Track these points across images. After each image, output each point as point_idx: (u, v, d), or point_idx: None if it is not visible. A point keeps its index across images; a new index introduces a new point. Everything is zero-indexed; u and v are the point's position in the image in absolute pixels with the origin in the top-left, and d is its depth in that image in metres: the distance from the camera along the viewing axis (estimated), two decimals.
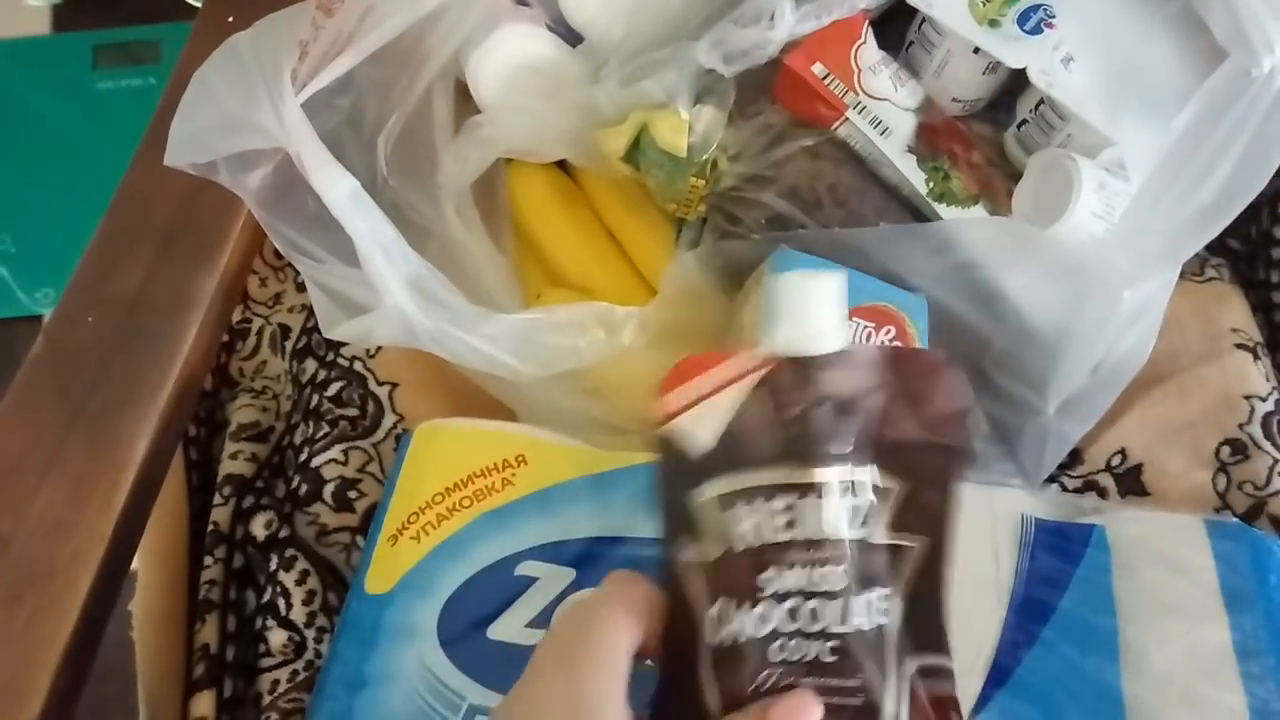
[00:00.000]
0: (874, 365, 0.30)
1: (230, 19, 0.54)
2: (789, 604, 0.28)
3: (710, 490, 0.29)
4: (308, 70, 0.43)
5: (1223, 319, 0.59)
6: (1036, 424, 0.49)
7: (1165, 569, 0.44)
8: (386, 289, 0.41)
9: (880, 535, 0.29)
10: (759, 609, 0.28)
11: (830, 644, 0.28)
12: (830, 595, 0.28)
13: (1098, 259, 0.41)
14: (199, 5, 1.24)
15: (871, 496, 0.29)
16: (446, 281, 0.43)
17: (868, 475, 0.29)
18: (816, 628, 0.28)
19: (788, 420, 0.29)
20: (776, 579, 0.29)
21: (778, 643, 0.28)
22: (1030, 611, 0.42)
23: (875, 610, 0.29)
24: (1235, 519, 0.50)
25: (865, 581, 0.29)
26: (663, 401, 0.30)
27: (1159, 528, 0.45)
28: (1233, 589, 0.43)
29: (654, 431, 0.30)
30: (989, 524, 0.45)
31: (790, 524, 0.29)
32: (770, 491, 0.29)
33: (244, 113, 0.42)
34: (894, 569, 0.29)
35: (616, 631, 0.28)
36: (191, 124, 0.43)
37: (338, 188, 0.41)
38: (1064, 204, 0.47)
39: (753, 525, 0.29)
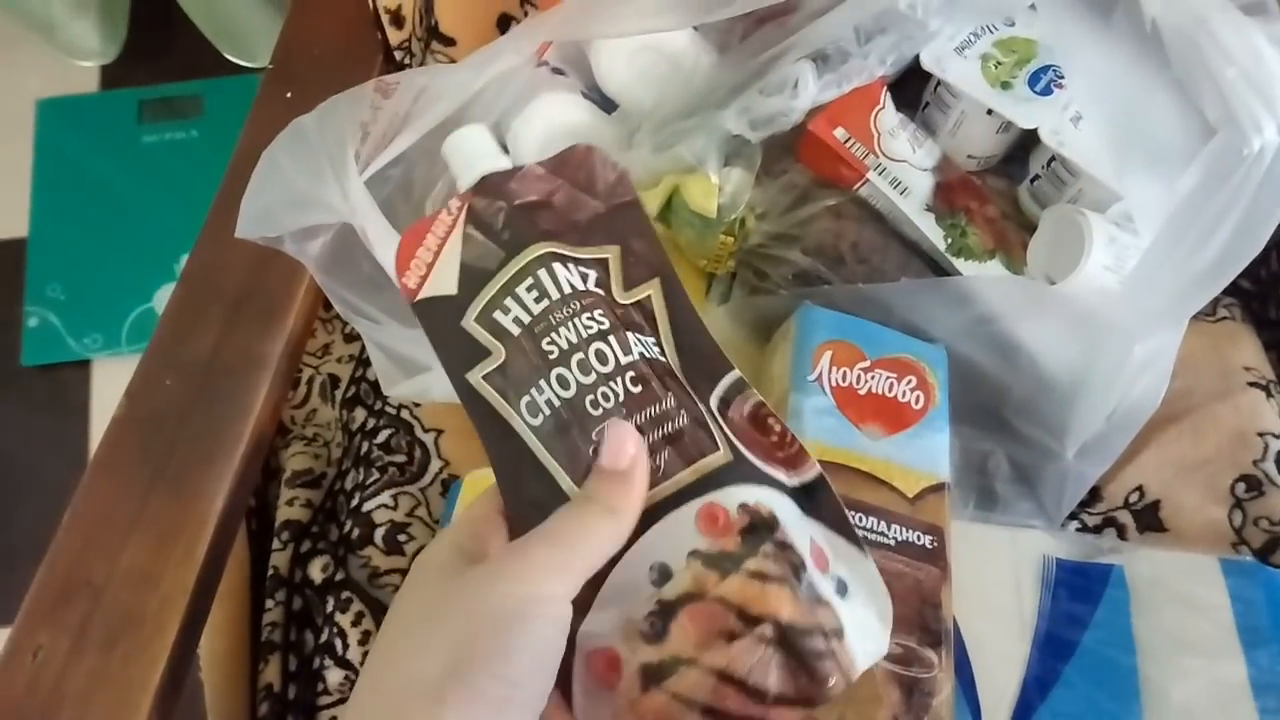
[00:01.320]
0: (542, 173, 0.35)
1: (289, 94, 0.58)
2: (576, 357, 0.32)
3: (472, 312, 0.34)
4: (369, 150, 0.46)
5: (1235, 357, 0.62)
6: (1056, 467, 0.51)
7: (1182, 607, 0.46)
8: None
9: (622, 295, 0.34)
10: (555, 373, 0.32)
11: (628, 375, 0.32)
12: (603, 334, 0.32)
13: (1108, 314, 0.43)
14: (240, 62, 1.30)
15: (591, 269, 0.34)
16: None
17: (578, 252, 0.34)
18: (608, 368, 0.32)
19: (498, 232, 0.34)
20: (556, 340, 0.33)
21: (588, 399, 0.32)
22: (1053, 649, 0.44)
23: (649, 346, 0.33)
24: (1250, 558, 0.52)
25: (627, 325, 0.33)
26: (403, 282, 0.34)
27: (1176, 567, 0.47)
28: (1249, 626, 0.45)
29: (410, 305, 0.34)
30: (1011, 564, 0.47)
31: (539, 296, 0.33)
32: (513, 282, 0.34)
33: (311, 190, 0.45)
34: (648, 320, 0.34)
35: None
36: (261, 200, 0.47)
37: None
38: (1076, 258, 0.50)
39: (514, 315, 0.33)
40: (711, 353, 0.34)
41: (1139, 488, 0.57)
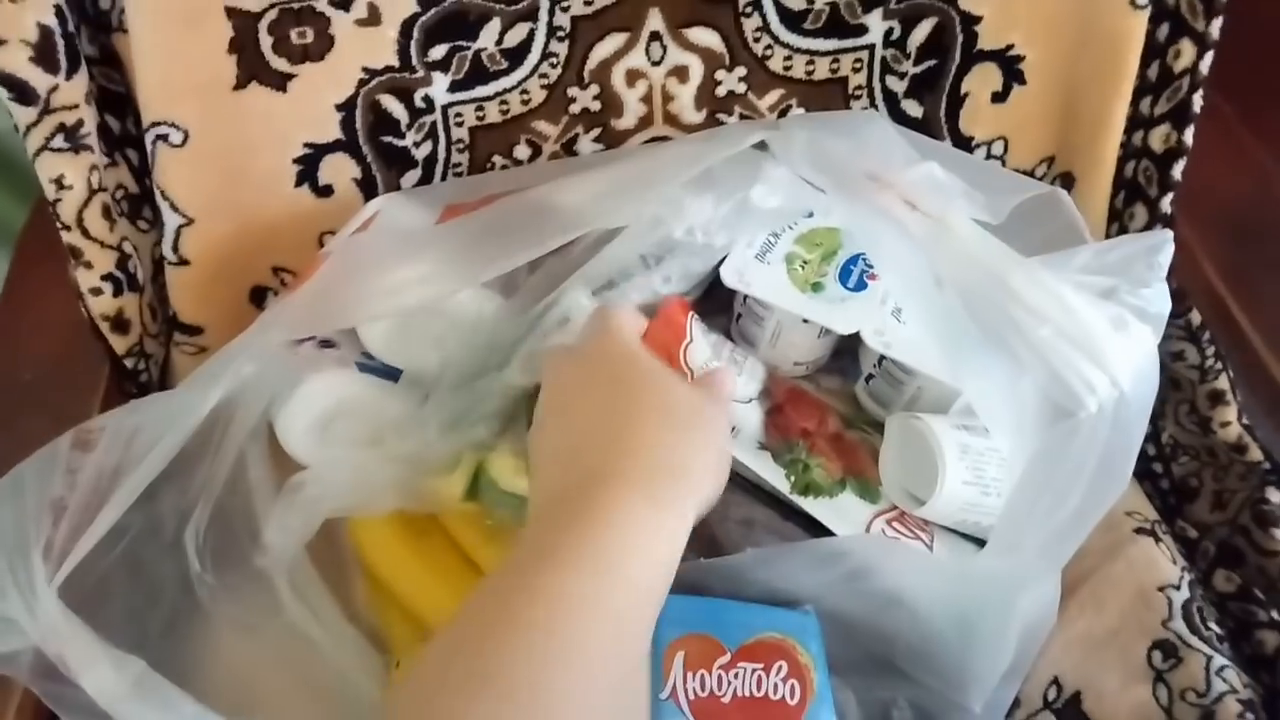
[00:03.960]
0: None
1: None
2: None
3: None
4: (66, 534, 0.37)
5: (1117, 504, 0.58)
6: (966, 712, 0.44)
7: None
8: None
9: None
10: None
11: None
12: None
13: (983, 571, 0.38)
14: None
15: None
16: None
17: None
18: None
19: None
20: None
21: None
22: None
23: None
24: None
25: None
26: None
27: None
28: None
29: None
30: None
31: None
32: None
33: None
34: None
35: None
36: None
37: (117, 685, 0.34)
38: (932, 474, 0.44)
39: None
40: None
41: (1055, 679, 0.51)
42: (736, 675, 0.40)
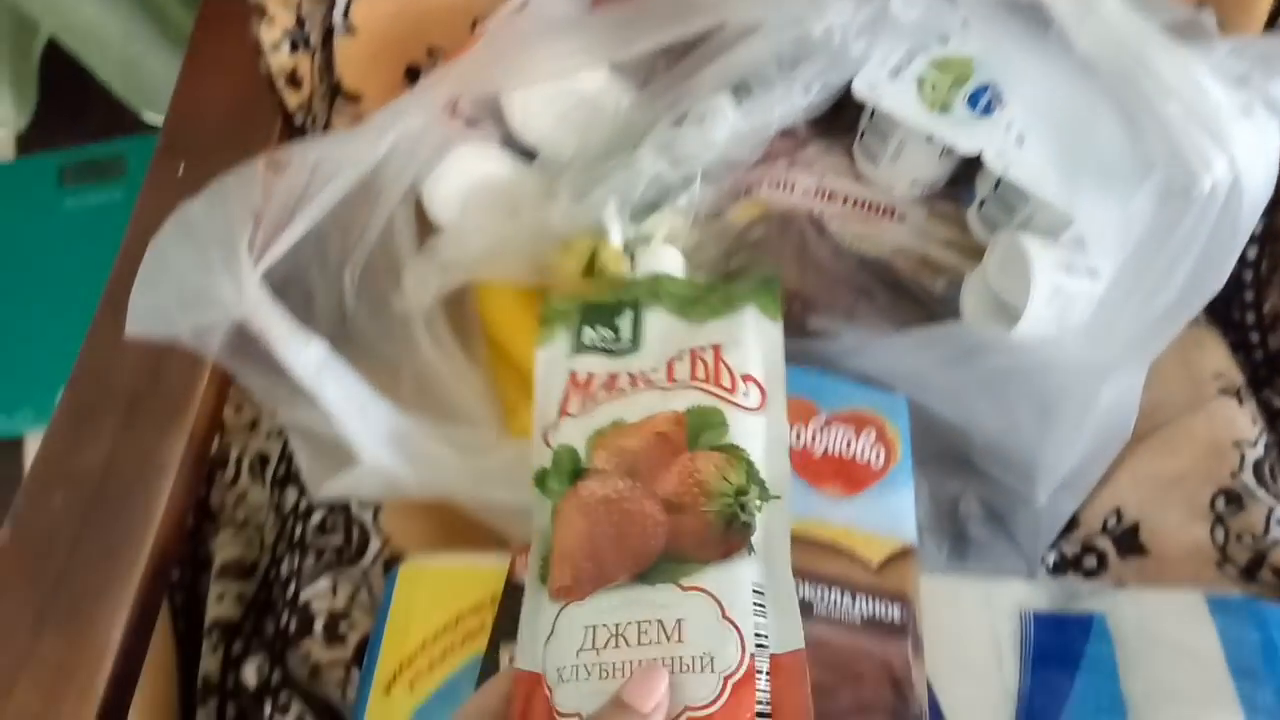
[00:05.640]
0: None
1: (181, 167, 0.54)
2: None
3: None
4: (264, 237, 0.42)
5: (1204, 364, 0.59)
6: (1029, 510, 0.48)
7: (1171, 653, 0.43)
8: (365, 450, 0.41)
9: None
10: None
11: None
12: None
13: (1070, 359, 0.40)
14: (159, 118, 1.24)
15: None
16: (428, 429, 0.43)
17: None
18: None
19: None
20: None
21: None
22: (1039, 717, 0.41)
23: None
24: (1237, 594, 0.49)
25: None
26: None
27: (1161, 609, 0.44)
28: (1241, 668, 0.42)
29: None
30: (989, 624, 0.44)
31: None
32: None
33: (203, 285, 0.41)
34: None
35: None
36: (151, 296, 0.43)
37: (306, 356, 0.40)
38: (1023, 297, 0.46)
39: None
40: None
41: (1116, 510, 0.54)
42: (828, 434, 0.44)
